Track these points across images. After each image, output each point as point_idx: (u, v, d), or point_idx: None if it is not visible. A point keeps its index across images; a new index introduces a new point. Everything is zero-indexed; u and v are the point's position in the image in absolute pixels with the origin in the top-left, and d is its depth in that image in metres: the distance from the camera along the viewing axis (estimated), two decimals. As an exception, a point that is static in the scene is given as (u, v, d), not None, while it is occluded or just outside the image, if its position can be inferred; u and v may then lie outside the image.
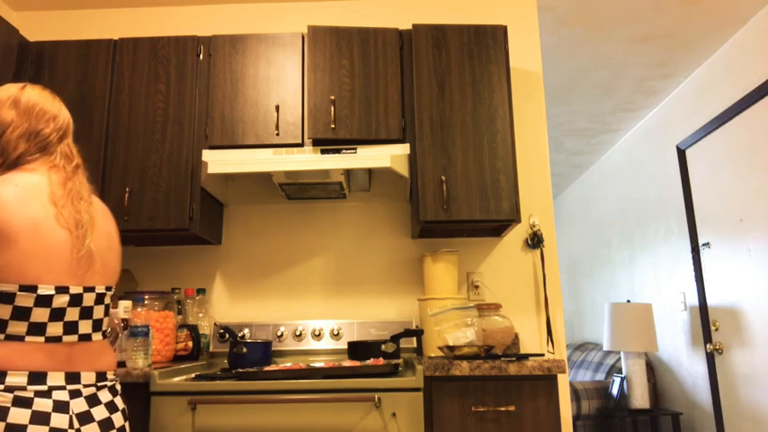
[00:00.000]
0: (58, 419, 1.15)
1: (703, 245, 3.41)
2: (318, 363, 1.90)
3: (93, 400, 1.24)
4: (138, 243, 2.42)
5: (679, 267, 3.70)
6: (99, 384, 1.27)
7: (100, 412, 1.24)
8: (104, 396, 1.28)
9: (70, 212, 1.26)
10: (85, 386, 1.24)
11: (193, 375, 1.81)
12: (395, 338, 1.98)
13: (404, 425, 1.61)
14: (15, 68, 2.21)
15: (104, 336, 1.34)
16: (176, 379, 1.71)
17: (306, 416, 1.61)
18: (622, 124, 4.28)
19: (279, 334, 2.25)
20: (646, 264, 4.20)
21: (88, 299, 1.28)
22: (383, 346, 1.97)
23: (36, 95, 1.37)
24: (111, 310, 1.82)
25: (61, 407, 1.17)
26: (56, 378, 1.19)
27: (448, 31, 2.23)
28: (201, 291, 2.32)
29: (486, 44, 2.22)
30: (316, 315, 2.41)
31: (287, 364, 1.91)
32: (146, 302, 2.07)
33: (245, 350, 1.96)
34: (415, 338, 2.25)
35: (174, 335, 2.11)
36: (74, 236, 1.25)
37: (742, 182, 3.01)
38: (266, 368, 1.73)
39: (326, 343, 2.25)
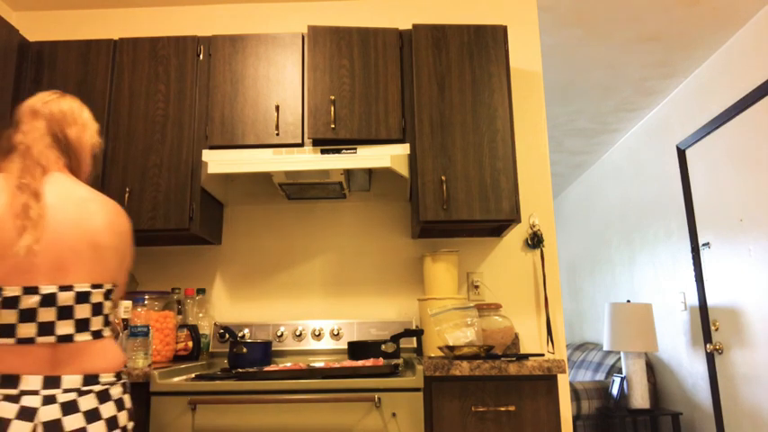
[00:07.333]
0: (19, 427, 1.08)
1: (703, 245, 3.41)
2: (318, 363, 1.91)
3: (68, 408, 1.14)
4: (138, 243, 2.42)
5: (679, 267, 3.69)
6: (84, 389, 1.18)
7: (73, 422, 1.14)
8: (87, 403, 1.17)
9: (17, 206, 1.18)
10: (66, 391, 1.15)
11: (193, 375, 1.81)
12: (395, 338, 1.98)
13: (404, 425, 1.61)
14: (15, 68, 2.21)
15: (95, 336, 1.25)
16: (176, 379, 1.71)
17: (306, 416, 1.61)
18: (622, 124, 4.28)
19: (279, 334, 2.25)
20: (646, 264, 4.20)
21: (65, 298, 1.20)
22: (383, 346, 1.97)
23: None
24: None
25: (26, 413, 1.09)
26: (31, 382, 1.12)
27: (448, 31, 2.22)
28: (201, 291, 2.32)
29: (486, 44, 2.22)
30: (316, 315, 2.41)
31: (287, 364, 1.91)
32: (146, 302, 2.07)
33: (245, 350, 1.96)
34: (415, 338, 2.25)
35: (173, 335, 2.11)
36: (13, 231, 1.17)
37: (742, 182, 3.01)
38: (266, 368, 1.73)
39: (326, 343, 2.25)
